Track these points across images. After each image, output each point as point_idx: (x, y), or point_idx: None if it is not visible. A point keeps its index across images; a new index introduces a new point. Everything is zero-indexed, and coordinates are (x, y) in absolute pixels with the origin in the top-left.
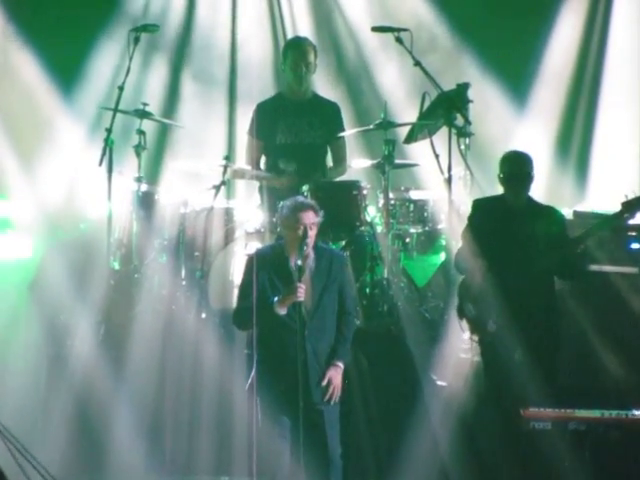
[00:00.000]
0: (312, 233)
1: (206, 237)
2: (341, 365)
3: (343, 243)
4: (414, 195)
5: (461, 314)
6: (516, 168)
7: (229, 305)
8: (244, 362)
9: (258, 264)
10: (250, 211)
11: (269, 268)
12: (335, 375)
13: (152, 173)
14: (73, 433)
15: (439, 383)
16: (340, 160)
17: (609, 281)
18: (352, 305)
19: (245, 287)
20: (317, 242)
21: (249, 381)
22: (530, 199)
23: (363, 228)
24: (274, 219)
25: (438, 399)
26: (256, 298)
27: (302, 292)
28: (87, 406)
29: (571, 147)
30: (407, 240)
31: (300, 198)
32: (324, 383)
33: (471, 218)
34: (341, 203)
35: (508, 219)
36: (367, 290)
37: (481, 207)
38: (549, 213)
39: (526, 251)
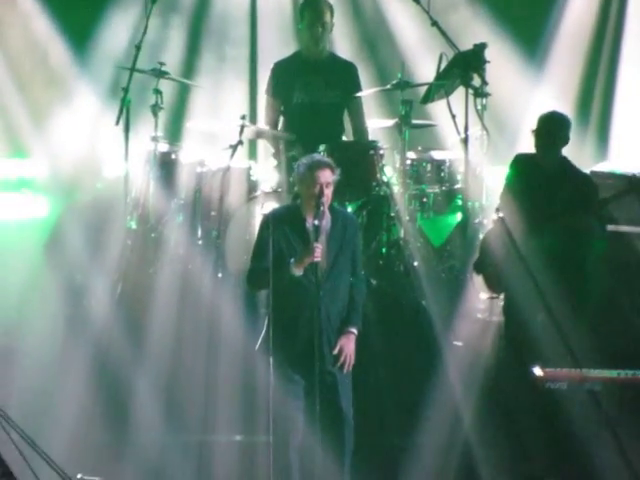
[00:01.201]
0: (328, 192)
1: (223, 197)
2: (354, 331)
3: (360, 203)
4: (431, 155)
5: (479, 269)
6: (546, 123)
7: (245, 265)
8: (262, 322)
9: (274, 224)
10: (267, 171)
11: (285, 228)
12: (347, 342)
13: (169, 133)
14: (91, 392)
15: (456, 343)
16: (359, 122)
17: (628, 242)
18: (362, 272)
19: (260, 247)
20: (332, 203)
21: (259, 341)
22: (564, 161)
23: (380, 188)
24: (291, 178)
25: (456, 359)
26: (271, 259)
27: (319, 252)
28: (104, 366)
29: (592, 107)
30: (424, 200)
31: (317, 156)
32: (336, 351)
33: (511, 172)
34: (358, 163)
35: (537, 176)
36: (383, 250)
37: (521, 162)
38: (581, 181)
39: (555, 205)
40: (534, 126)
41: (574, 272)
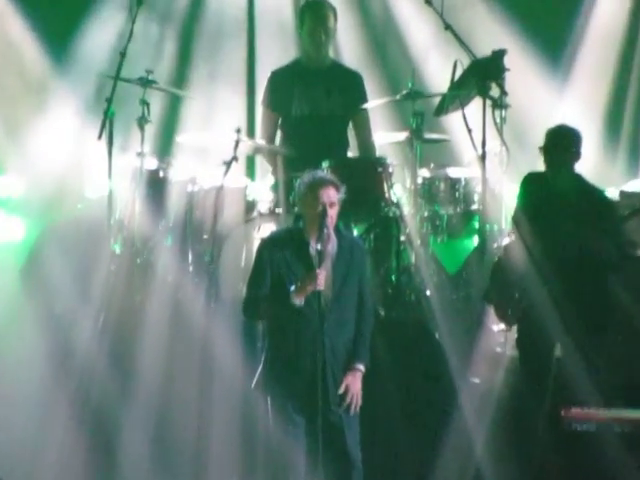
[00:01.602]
0: (333, 212)
1: (216, 218)
2: (361, 368)
3: (367, 225)
4: (445, 173)
5: (489, 298)
6: (555, 138)
7: (241, 293)
8: (259, 356)
9: (273, 248)
10: (265, 190)
11: (285, 253)
12: (354, 380)
13: (157, 148)
14: (73, 435)
15: (472, 380)
16: (365, 136)
17: None
18: (370, 301)
19: (257, 274)
20: (337, 225)
21: (255, 378)
22: (578, 179)
23: (389, 209)
24: (291, 198)
25: (472, 397)
26: (270, 286)
27: (322, 279)
28: (87, 405)
29: (622, 120)
30: (437, 222)
31: (319, 173)
32: (342, 390)
33: (522, 191)
34: (365, 181)
35: (548, 196)
36: (393, 277)
37: (532, 181)
38: (597, 199)
39: (564, 233)
40: (542, 142)
41: (592, 301)
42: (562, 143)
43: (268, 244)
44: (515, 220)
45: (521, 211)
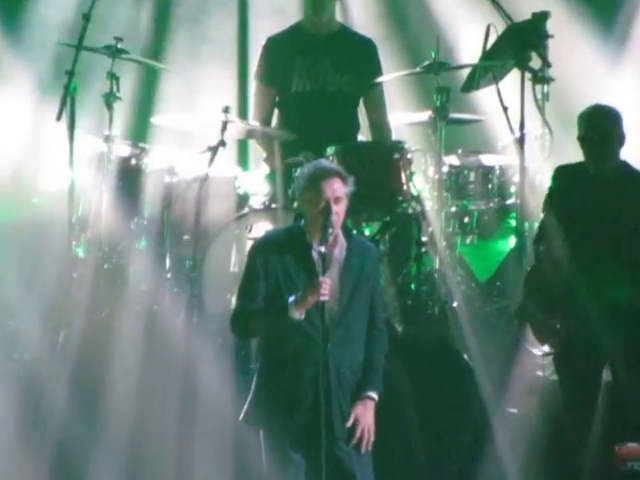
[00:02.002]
0: (339, 209)
1: (199, 215)
2: (373, 397)
3: (381, 225)
4: (476, 161)
5: (522, 316)
6: (596, 126)
7: (229, 305)
8: (250, 382)
9: (268, 252)
10: (259, 181)
11: (284, 257)
12: (365, 411)
13: (129, 131)
14: (27, 477)
15: (508, 409)
16: (379, 116)
17: None
18: (382, 318)
19: (249, 283)
20: (345, 224)
21: (245, 408)
22: (624, 166)
23: (407, 205)
24: (289, 191)
25: (507, 430)
26: (264, 297)
27: (327, 289)
28: (44, 441)
29: None
30: (466, 220)
31: (322, 162)
32: (350, 423)
33: (551, 192)
34: (378, 171)
35: (591, 192)
36: (412, 287)
37: (562, 177)
38: None
39: (612, 234)
40: (578, 130)
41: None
42: (605, 127)
43: (262, 247)
44: (544, 225)
45: (553, 213)
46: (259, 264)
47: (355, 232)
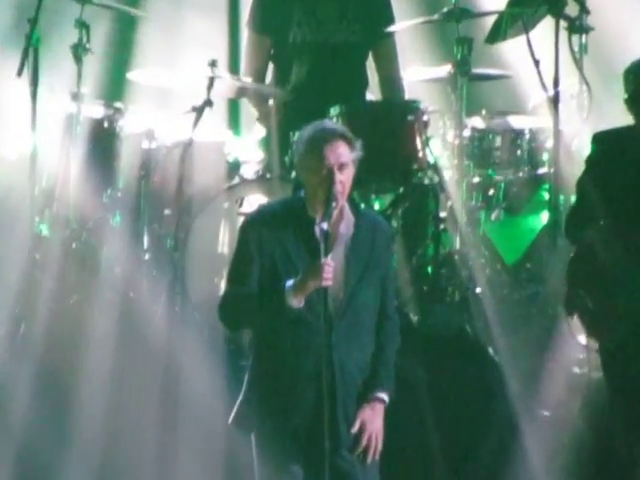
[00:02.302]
0: (344, 177)
1: (182, 187)
2: (383, 398)
3: (393, 197)
4: (502, 123)
5: (571, 307)
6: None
7: (217, 292)
8: (241, 380)
9: (263, 229)
10: (251, 147)
11: (281, 236)
12: (373, 415)
13: (102, 89)
14: None
15: (541, 412)
16: (391, 72)
17: None
18: (395, 306)
19: (240, 265)
20: (352, 197)
21: (236, 410)
22: None
23: (423, 174)
24: (286, 158)
25: (539, 437)
26: (258, 282)
27: (330, 272)
28: (5, 447)
29: None
30: (491, 192)
31: (325, 123)
32: (356, 429)
33: (590, 160)
34: (389, 135)
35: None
36: (429, 270)
37: (604, 144)
38: None
39: None
40: (625, 90)
41: None
42: None
43: (256, 223)
44: (586, 205)
45: (591, 188)
46: (252, 243)
47: (361, 204)
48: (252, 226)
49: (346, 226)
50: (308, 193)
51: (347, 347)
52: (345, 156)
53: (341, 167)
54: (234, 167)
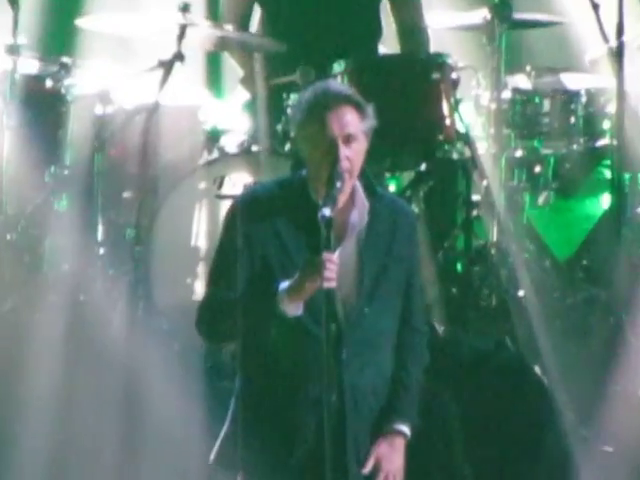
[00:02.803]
0: (352, 152)
1: (146, 162)
2: (404, 431)
3: (413, 176)
4: (553, 82)
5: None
6: None
7: (191, 295)
8: (225, 407)
9: (254, 217)
10: (235, 112)
11: (278, 225)
12: (390, 453)
13: (43, 40)
14: None
15: (601, 447)
16: (411, 18)
17: None
18: (422, 314)
19: (224, 262)
20: (367, 174)
21: (218, 445)
22: None
23: (451, 147)
24: (278, 126)
25: (598, 477)
26: (248, 283)
27: (333, 270)
28: None
29: None
30: (537, 170)
31: (329, 85)
32: (368, 468)
33: None
34: (408, 98)
35: None
36: (458, 267)
37: None
38: None
39: None
40: None
41: None
42: None
43: (246, 210)
44: None
45: None
46: (240, 234)
47: (377, 184)
48: (241, 213)
49: (359, 213)
50: (310, 171)
51: (360, 366)
52: (353, 126)
53: (347, 139)
54: (212, 137)
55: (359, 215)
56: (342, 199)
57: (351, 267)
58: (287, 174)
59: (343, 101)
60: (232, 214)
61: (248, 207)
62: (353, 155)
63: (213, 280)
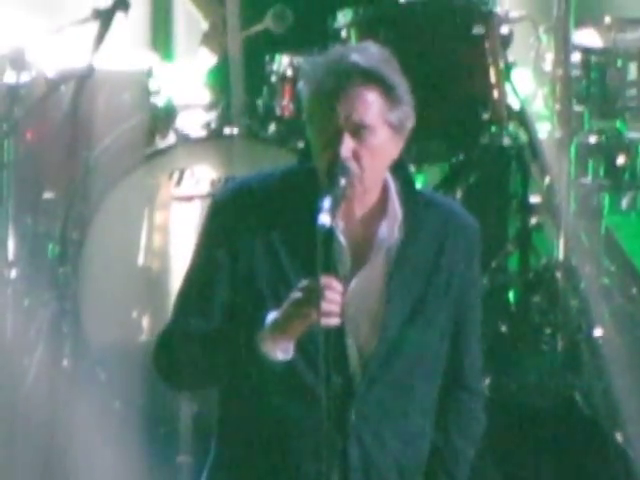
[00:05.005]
0: (365, 150)
1: (74, 150)
2: None
3: (449, 169)
4: (637, 40)
5: None
6: None
7: (136, 334)
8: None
9: (238, 221)
10: (193, 82)
11: (271, 233)
12: None
13: None
14: None
15: None
16: None
17: None
18: (479, 369)
19: (198, 282)
20: (406, 170)
21: None
22: None
23: (500, 129)
24: (259, 101)
25: None
26: (227, 310)
27: (336, 302)
28: None
29: None
30: (620, 161)
31: (349, 52)
32: None
33: None
34: (441, 61)
35: None
36: (510, 296)
37: None
38: None
39: None
40: None
41: None
42: None
43: (229, 211)
44: None
45: None
46: (221, 246)
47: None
48: (222, 216)
49: (390, 224)
50: (318, 163)
51: (379, 437)
52: (370, 112)
53: (357, 130)
54: (166, 116)
55: (388, 227)
56: (364, 204)
57: (375, 298)
58: (292, 164)
59: (361, 77)
60: (210, 217)
61: (232, 208)
62: (365, 152)
63: (182, 304)
